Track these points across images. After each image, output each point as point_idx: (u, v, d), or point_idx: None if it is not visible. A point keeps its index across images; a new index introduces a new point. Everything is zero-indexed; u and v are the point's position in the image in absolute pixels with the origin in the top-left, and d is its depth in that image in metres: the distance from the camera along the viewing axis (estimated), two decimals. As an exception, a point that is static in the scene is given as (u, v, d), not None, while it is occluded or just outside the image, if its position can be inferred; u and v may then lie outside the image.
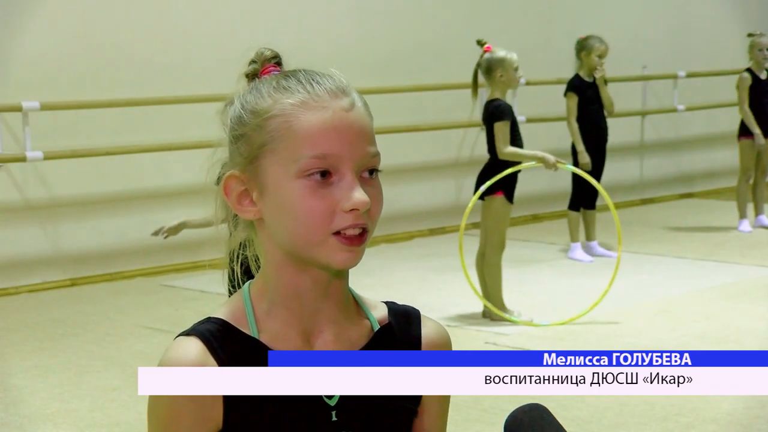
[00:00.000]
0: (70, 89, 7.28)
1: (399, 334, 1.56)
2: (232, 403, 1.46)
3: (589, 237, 8.11)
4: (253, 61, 1.54)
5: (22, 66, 7.12)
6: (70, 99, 7.23)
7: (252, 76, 1.54)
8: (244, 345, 1.48)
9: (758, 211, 9.09)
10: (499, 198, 6.05)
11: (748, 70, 8.89)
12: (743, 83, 8.82)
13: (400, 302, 1.63)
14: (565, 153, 7.96)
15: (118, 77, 7.48)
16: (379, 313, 1.58)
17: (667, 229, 9.25)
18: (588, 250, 8.05)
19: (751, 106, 8.79)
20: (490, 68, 6.11)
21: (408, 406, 1.55)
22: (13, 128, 7.12)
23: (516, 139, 6.09)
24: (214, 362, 1.46)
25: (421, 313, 1.62)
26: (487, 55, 6.13)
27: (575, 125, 7.81)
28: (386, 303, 1.61)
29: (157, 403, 1.47)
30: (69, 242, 7.40)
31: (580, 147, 7.78)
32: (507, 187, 6.04)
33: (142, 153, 7.52)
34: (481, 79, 6.20)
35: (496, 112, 6.04)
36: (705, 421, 4.49)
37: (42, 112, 7.05)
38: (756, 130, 8.75)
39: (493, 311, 6.10)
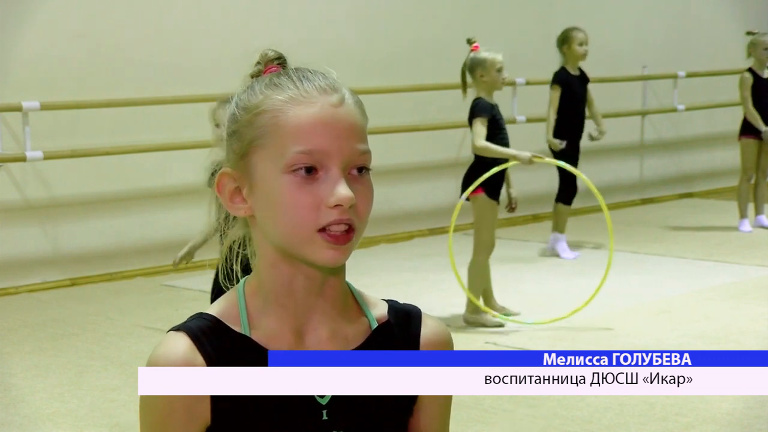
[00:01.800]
0: (70, 89, 7.28)
1: (397, 333, 1.55)
2: (219, 399, 1.46)
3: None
4: (257, 62, 1.55)
5: (22, 66, 7.12)
6: (70, 99, 7.23)
7: (256, 76, 1.54)
8: (233, 342, 1.47)
9: (758, 211, 9.09)
10: (481, 196, 5.99)
11: (750, 69, 8.88)
12: (745, 83, 8.81)
13: (401, 302, 1.63)
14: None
15: (118, 77, 7.48)
16: (379, 312, 1.56)
17: (667, 229, 9.25)
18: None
19: (754, 105, 8.79)
20: (472, 68, 6.10)
21: (402, 404, 1.54)
22: (13, 128, 7.12)
23: (499, 137, 6.02)
24: (201, 359, 1.46)
25: (423, 312, 1.60)
26: (471, 55, 6.11)
27: (552, 117, 7.87)
28: (387, 301, 1.60)
29: (149, 402, 1.47)
30: (69, 242, 7.40)
31: (550, 135, 7.85)
32: (487, 184, 5.95)
33: (142, 153, 7.52)
34: (469, 78, 6.16)
35: (474, 110, 6.03)
36: (705, 421, 4.49)
37: (42, 112, 7.05)
38: (763, 127, 8.75)
39: (482, 310, 6.04)
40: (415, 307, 1.60)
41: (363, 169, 1.46)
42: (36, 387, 5.11)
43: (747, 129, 8.86)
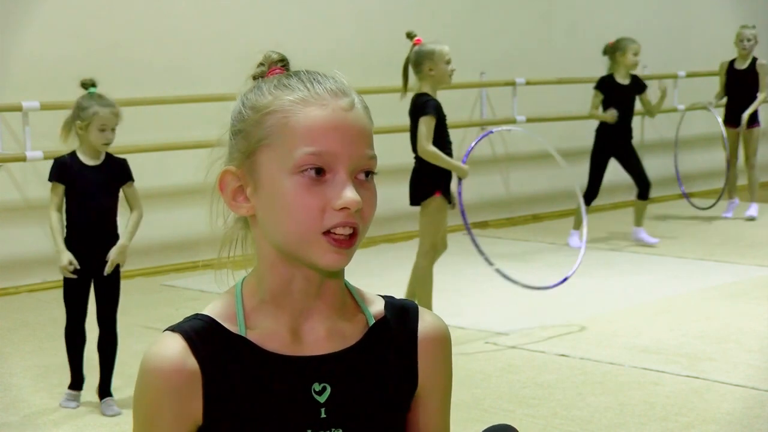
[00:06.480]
0: (70, 89, 7.26)
1: (395, 328, 1.55)
2: (212, 398, 1.45)
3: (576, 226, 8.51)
4: (260, 64, 1.55)
5: (22, 66, 7.12)
6: (70, 99, 7.21)
7: (258, 77, 1.55)
8: (228, 343, 1.47)
9: (731, 196, 9.67)
10: (438, 198, 5.75)
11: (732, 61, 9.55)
12: (722, 67, 9.55)
13: (398, 297, 1.63)
14: (565, 152, 7.97)
15: (118, 77, 7.46)
16: (376, 308, 1.57)
17: (667, 229, 9.24)
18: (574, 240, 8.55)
19: (727, 92, 9.52)
20: (418, 62, 5.77)
21: (401, 400, 1.54)
22: (13, 128, 7.12)
23: (446, 140, 5.77)
24: (194, 360, 1.46)
25: (420, 307, 1.60)
26: (416, 48, 5.79)
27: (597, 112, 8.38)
28: (384, 297, 1.60)
29: (137, 399, 1.49)
30: (69, 242, 7.38)
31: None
32: (444, 185, 5.74)
33: (142, 153, 7.51)
34: (411, 73, 5.86)
35: (423, 107, 5.68)
36: (705, 421, 4.49)
37: (42, 112, 7.05)
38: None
39: None
40: (412, 302, 1.61)
41: (369, 174, 1.47)
42: (36, 387, 5.11)
43: (725, 119, 9.49)
